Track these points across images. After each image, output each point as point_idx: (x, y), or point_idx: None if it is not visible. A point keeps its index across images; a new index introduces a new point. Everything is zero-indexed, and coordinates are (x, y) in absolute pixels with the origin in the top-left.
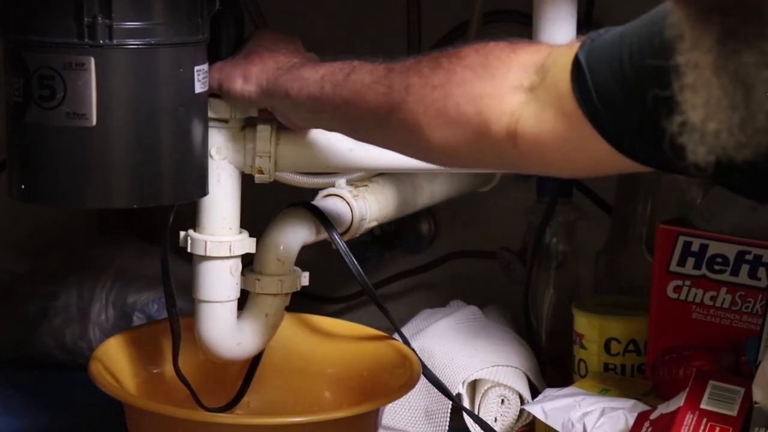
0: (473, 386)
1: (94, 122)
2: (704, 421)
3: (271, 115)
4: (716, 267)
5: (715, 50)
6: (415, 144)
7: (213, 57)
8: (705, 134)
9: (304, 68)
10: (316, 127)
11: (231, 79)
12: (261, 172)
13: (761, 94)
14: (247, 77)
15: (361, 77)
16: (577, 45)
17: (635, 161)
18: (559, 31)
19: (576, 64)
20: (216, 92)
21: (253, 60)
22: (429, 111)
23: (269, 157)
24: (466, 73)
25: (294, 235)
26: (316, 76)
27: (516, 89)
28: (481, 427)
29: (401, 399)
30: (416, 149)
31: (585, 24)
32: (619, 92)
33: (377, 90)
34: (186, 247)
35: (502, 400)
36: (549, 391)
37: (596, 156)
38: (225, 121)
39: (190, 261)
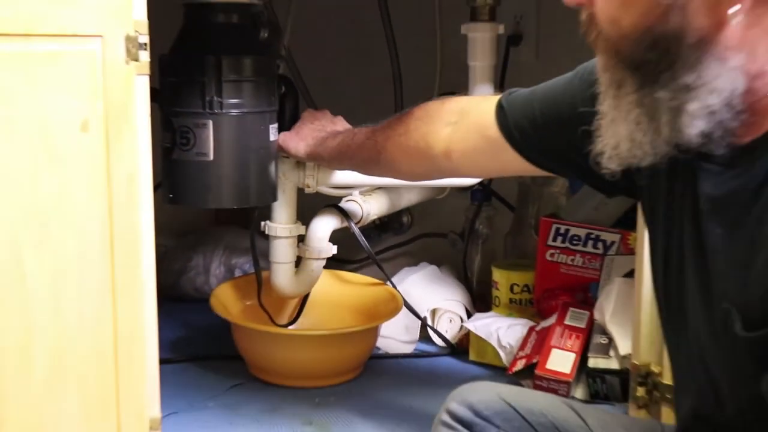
0: (434, 312)
1: (212, 158)
2: (566, 330)
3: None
4: (574, 241)
5: (638, 91)
6: (396, 172)
7: (280, 119)
8: (617, 151)
9: (328, 140)
10: (340, 170)
11: (289, 146)
12: (308, 186)
13: (666, 120)
14: (298, 147)
15: (359, 139)
16: (492, 97)
17: (535, 165)
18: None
19: (500, 107)
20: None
21: (301, 134)
22: (399, 150)
23: (313, 178)
24: (416, 122)
25: (328, 224)
26: (334, 144)
27: (446, 125)
28: (438, 336)
29: (391, 320)
30: (396, 175)
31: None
32: (529, 126)
33: (369, 145)
34: (265, 231)
35: (450, 320)
36: (478, 315)
37: (505, 161)
38: (287, 157)
39: (267, 239)
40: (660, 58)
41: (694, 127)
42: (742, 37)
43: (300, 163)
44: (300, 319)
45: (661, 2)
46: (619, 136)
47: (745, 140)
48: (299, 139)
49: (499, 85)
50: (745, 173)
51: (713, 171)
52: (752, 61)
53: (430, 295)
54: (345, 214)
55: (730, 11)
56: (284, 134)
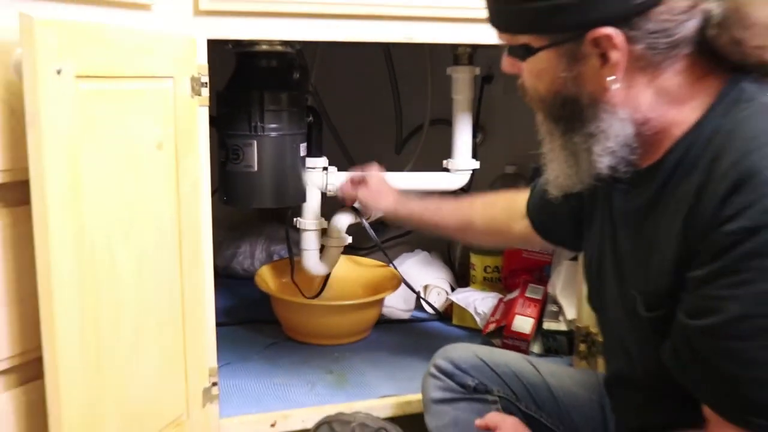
0: (425, 287)
1: (256, 169)
2: (526, 301)
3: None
4: None
5: (562, 138)
6: (476, 241)
7: (308, 139)
8: (557, 182)
9: (409, 204)
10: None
11: (378, 203)
12: (330, 191)
13: (584, 158)
14: (379, 205)
15: (446, 212)
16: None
17: (548, 242)
18: (464, 129)
19: (526, 205)
20: (358, 205)
21: (380, 192)
22: (486, 231)
23: (333, 185)
24: (502, 212)
25: (345, 219)
26: (417, 209)
27: (521, 217)
28: (429, 306)
29: (392, 293)
30: (474, 242)
31: (476, 124)
32: (540, 210)
33: (457, 219)
34: (296, 225)
35: (438, 293)
36: (459, 290)
37: (540, 241)
38: (313, 168)
39: (298, 231)
40: (571, 114)
41: (602, 162)
42: (625, 96)
43: (323, 170)
44: (323, 293)
45: (560, 75)
46: (556, 171)
47: (644, 166)
48: (381, 198)
49: (476, 114)
50: (644, 192)
51: (622, 190)
52: (636, 112)
53: (423, 274)
54: (358, 212)
55: (609, 79)
56: (363, 194)
